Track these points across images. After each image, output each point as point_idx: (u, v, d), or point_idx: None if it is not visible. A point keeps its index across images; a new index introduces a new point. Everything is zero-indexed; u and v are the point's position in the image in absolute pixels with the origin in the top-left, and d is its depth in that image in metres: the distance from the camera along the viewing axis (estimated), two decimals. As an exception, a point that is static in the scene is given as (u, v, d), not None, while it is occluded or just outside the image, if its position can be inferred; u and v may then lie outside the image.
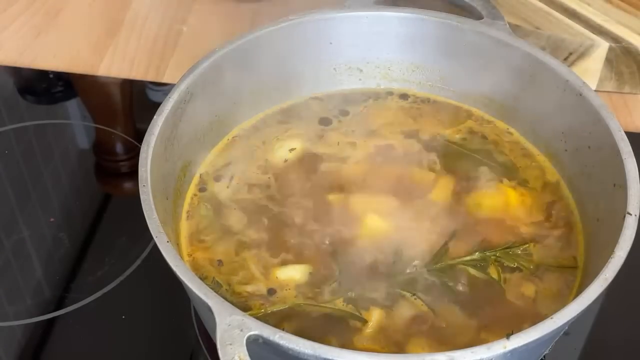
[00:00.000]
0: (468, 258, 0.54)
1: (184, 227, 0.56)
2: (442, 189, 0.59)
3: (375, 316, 0.50)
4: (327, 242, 0.55)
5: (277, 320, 0.50)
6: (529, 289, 0.52)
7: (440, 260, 0.53)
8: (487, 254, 0.54)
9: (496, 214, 0.57)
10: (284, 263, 0.54)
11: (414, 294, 0.51)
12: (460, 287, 0.52)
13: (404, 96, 0.67)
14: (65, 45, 0.84)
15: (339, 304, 0.51)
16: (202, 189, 0.59)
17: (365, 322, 0.50)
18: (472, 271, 0.53)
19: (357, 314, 0.50)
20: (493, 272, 0.53)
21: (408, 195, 0.58)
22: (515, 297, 0.52)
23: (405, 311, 0.51)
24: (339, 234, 0.55)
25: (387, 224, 0.56)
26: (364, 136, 0.63)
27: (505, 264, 0.54)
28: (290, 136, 0.63)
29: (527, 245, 0.55)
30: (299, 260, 0.54)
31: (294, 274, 0.53)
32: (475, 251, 0.54)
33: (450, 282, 0.52)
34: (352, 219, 0.56)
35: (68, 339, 0.58)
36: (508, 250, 0.54)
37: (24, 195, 0.69)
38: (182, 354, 0.58)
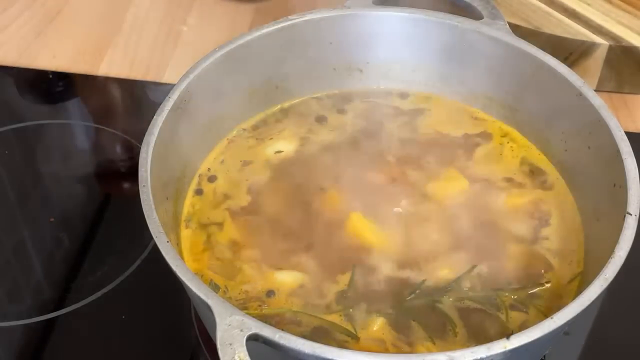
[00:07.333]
0: (480, 295, 0.52)
1: (184, 227, 0.56)
2: (441, 198, 0.58)
3: (370, 332, 0.49)
4: (325, 250, 0.54)
5: (274, 324, 0.49)
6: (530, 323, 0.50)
7: (449, 290, 0.52)
8: (504, 295, 0.52)
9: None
10: (280, 269, 0.53)
11: (414, 320, 0.50)
12: (463, 321, 0.50)
13: (403, 96, 0.67)
14: (65, 45, 0.84)
15: (336, 317, 0.50)
16: (199, 190, 0.59)
17: (358, 339, 0.49)
18: (480, 307, 0.51)
19: (353, 330, 0.49)
20: (502, 314, 0.51)
21: (410, 203, 0.57)
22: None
23: (403, 336, 0.50)
24: (337, 242, 0.55)
25: (384, 237, 0.55)
26: (363, 136, 0.63)
27: (516, 305, 0.52)
28: (285, 136, 0.63)
29: (541, 288, 0.53)
30: (296, 268, 0.53)
31: (289, 280, 0.52)
32: (490, 288, 0.52)
33: (455, 314, 0.51)
34: (351, 225, 0.56)
35: (68, 339, 0.58)
36: (525, 291, 0.52)
37: (24, 195, 0.69)
38: (182, 354, 0.58)
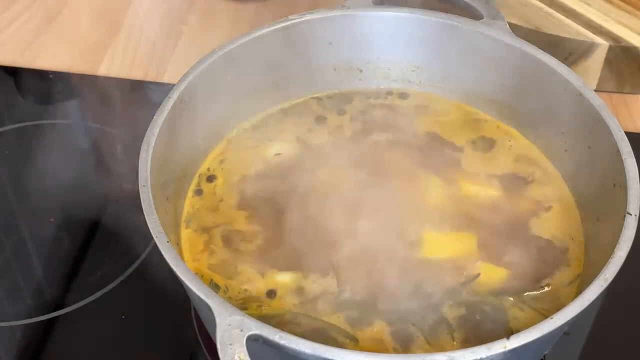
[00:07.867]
0: (480, 299, 0.51)
1: (184, 227, 0.56)
2: (442, 199, 0.58)
3: (369, 334, 0.49)
4: (324, 251, 0.54)
5: (274, 325, 0.49)
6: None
7: (450, 295, 0.51)
8: (504, 299, 0.51)
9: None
10: (280, 270, 0.53)
11: (414, 324, 0.50)
12: (462, 325, 0.50)
13: (403, 95, 0.67)
14: (65, 45, 0.84)
15: (335, 319, 0.50)
16: (199, 190, 0.59)
17: (357, 341, 0.49)
18: (480, 311, 0.51)
19: (352, 333, 0.49)
20: (501, 318, 0.51)
21: (411, 204, 0.57)
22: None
23: (402, 341, 0.49)
24: (337, 245, 0.54)
25: (385, 238, 0.55)
26: (363, 136, 0.63)
27: (515, 308, 0.51)
28: (285, 137, 0.63)
29: (541, 290, 0.52)
30: (295, 268, 0.53)
31: (289, 281, 0.52)
32: (490, 292, 0.52)
33: (455, 318, 0.50)
34: (349, 226, 0.55)
35: (68, 339, 0.58)
36: (525, 294, 0.52)
37: (24, 195, 0.69)
38: (182, 354, 0.58)
